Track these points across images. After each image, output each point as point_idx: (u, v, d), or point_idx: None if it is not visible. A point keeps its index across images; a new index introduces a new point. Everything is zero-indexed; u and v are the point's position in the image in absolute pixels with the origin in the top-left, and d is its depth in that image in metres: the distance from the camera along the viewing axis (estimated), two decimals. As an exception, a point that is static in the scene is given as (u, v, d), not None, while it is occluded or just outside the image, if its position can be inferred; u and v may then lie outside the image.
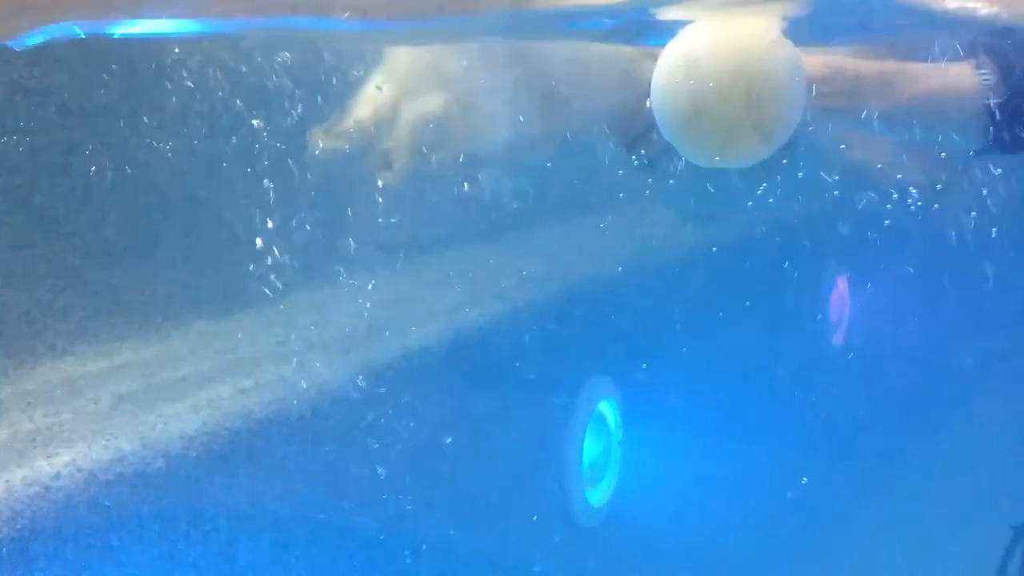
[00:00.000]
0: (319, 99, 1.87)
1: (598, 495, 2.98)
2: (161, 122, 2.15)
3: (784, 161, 1.66)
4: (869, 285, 2.66)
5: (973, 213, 1.90)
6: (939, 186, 1.86)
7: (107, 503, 1.72)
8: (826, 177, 1.99)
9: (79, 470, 1.71)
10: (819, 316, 2.89)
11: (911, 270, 2.32)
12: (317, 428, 2.14)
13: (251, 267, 2.16)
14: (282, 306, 2.36)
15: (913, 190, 1.90)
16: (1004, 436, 2.11)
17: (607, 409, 2.98)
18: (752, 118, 1.51)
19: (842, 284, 2.90)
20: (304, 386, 2.14)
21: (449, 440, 2.52)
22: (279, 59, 1.92)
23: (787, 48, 1.53)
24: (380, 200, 2.25)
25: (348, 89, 1.76)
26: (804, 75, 1.54)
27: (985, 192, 1.82)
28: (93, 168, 2.07)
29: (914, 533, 2.74)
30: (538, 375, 2.74)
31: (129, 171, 2.12)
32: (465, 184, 2.04)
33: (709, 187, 1.89)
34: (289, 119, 2.03)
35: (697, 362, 2.92)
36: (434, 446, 2.49)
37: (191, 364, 2.12)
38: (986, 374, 2.25)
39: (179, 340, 2.23)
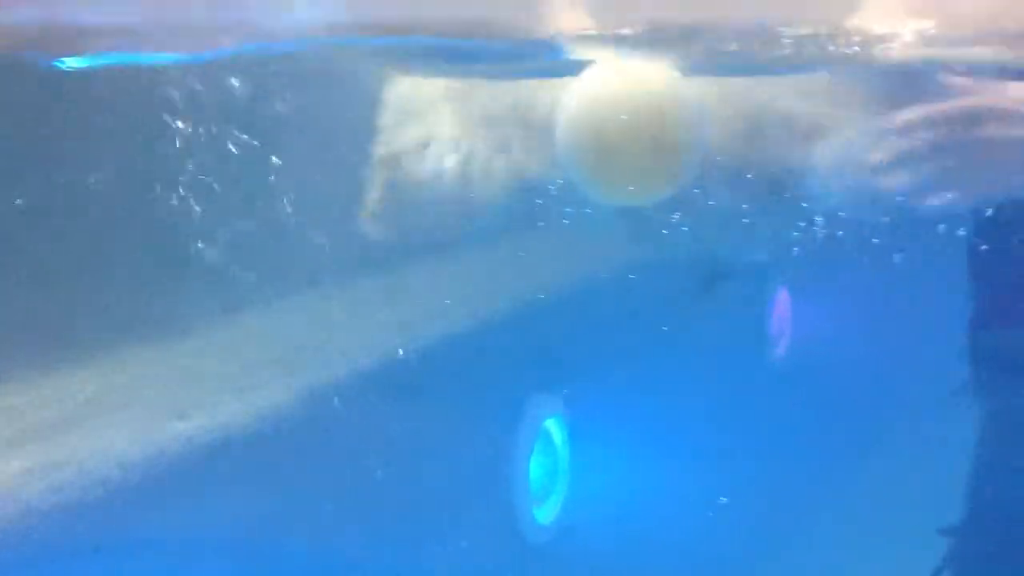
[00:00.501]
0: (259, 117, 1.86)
1: (546, 512, 2.97)
2: (93, 143, 2.13)
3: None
4: (813, 297, 2.68)
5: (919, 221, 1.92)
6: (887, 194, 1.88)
7: (43, 533, 1.69)
8: (770, 192, 2.01)
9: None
10: (763, 330, 2.91)
11: (853, 281, 2.34)
12: (259, 452, 2.13)
13: (189, 289, 2.14)
14: (223, 329, 2.34)
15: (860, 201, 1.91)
16: (942, 443, 2.14)
17: (554, 427, 2.98)
18: (658, 155, 1.54)
19: (786, 296, 2.92)
20: (245, 409, 2.12)
21: (394, 459, 2.51)
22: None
23: (689, 86, 1.56)
24: (321, 219, 2.25)
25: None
26: (707, 111, 1.57)
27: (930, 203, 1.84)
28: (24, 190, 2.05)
29: (858, 543, 2.76)
30: (484, 393, 2.74)
31: (64, 193, 2.10)
32: (410, 203, 2.05)
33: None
34: (228, 137, 2.02)
35: (644, 378, 2.93)
36: (379, 466, 2.48)
37: (128, 390, 2.10)
38: (928, 384, 2.27)
39: (117, 365, 2.20)
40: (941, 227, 1.72)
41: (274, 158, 2.22)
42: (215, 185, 2.16)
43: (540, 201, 1.81)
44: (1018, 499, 1.90)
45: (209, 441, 2.00)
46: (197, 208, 2.15)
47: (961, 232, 1.76)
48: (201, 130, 2.06)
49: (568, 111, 1.56)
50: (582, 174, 1.58)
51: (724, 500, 2.84)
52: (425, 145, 1.80)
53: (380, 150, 1.86)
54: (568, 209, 1.94)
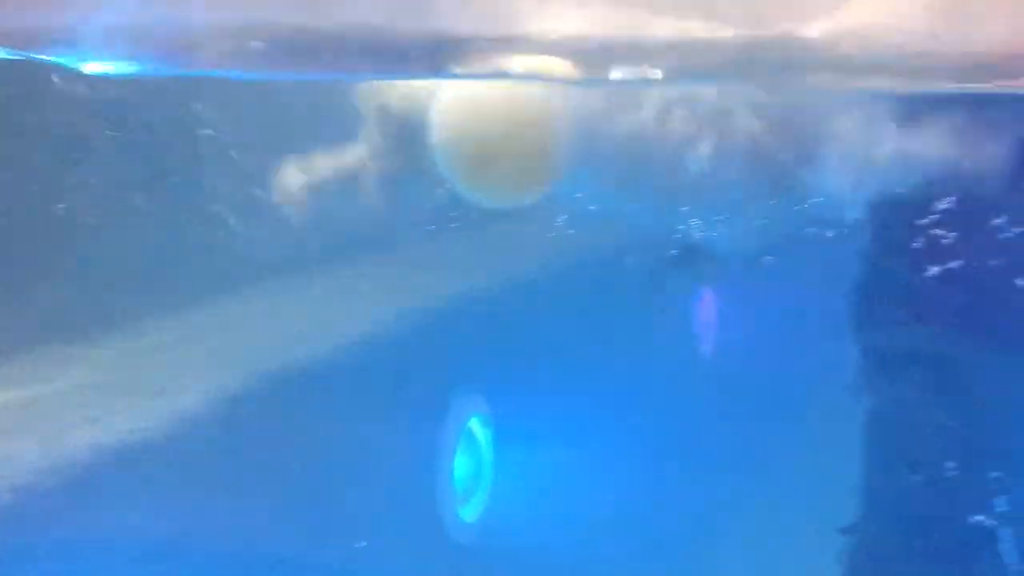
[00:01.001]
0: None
1: (470, 511, 2.98)
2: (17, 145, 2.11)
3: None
4: (734, 295, 2.72)
5: (842, 219, 1.96)
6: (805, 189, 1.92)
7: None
8: (691, 190, 2.03)
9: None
10: (684, 327, 2.93)
11: (773, 280, 2.38)
12: (177, 455, 2.11)
13: (105, 295, 2.13)
14: (138, 335, 2.32)
15: (782, 198, 1.95)
16: (846, 441, 2.18)
17: (477, 426, 2.99)
18: (528, 162, 1.59)
19: (708, 294, 2.95)
20: (164, 414, 2.11)
21: (320, 460, 2.50)
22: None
23: (556, 98, 1.61)
24: (247, 223, 2.25)
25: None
26: (570, 123, 1.63)
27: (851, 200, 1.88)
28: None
29: (777, 541, 2.80)
30: (407, 394, 2.74)
31: None
32: (334, 205, 2.05)
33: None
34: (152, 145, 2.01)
35: (566, 377, 2.95)
36: (305, 467, 2.48)
37: (36, 390, 2.07)
38: (838, 383, 2.32)
39: (27, 368, 2.18)
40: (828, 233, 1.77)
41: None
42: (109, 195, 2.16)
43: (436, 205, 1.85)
44: (910, 493, 1.96)
45: (119, 447, 1.99)
46: (94, 220, 2.14)
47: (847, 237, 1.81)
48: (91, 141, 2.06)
49: (440, 117, 1.61)
50: (460, 178, 1.63)
51: (642, 496, 2.87)
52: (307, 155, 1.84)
53: (272, 162, 1.89)
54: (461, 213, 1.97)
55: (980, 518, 1.92)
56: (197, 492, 2.22)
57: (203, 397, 2.23)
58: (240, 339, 2.50)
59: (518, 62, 1.48)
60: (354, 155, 1.85)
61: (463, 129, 1.60)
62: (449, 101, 1.64)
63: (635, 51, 1.48)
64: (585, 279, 2.70)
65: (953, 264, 1.73)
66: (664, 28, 1.45)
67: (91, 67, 1.75)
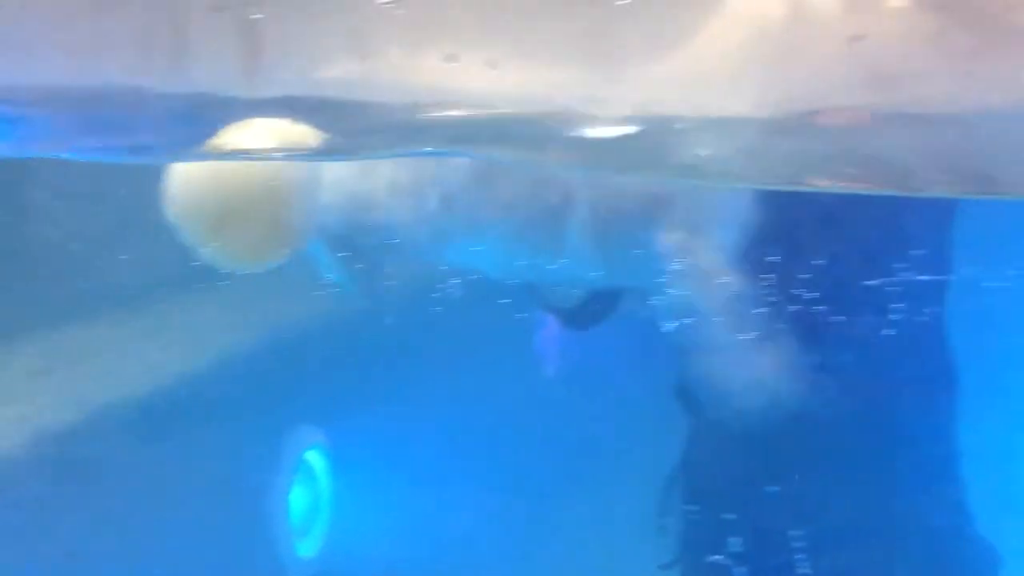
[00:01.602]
0: None
1: (308, 546, 2.92)
2: None
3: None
4: (571, 325, 2.73)
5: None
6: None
7: None
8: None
9: None
10: (524, 356, 2.95)
11: (608, 306, 2.41)
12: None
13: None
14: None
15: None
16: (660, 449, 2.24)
17: (315, 458, 2.94)
18: (272, 227, 1.65)
19: (549, 321, 2.97)
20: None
21: (152, 496, 2.44)
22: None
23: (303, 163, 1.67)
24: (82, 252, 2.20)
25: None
26: (318, 185, 1.68)
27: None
28: None
29: (613, 563, 2.83)
30: (241, 426, 2.69)
31: None
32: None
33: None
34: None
35: (406, 407, 2.93)
36: (137, 503, 2.41)
37: None
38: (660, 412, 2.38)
39: None
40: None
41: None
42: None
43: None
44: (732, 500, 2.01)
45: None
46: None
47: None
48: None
49: (185, 178, 1.65)
50: (200, 240, 1.68)
51: (484, 525, 2.87)
52: None
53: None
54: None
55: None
56: (19, 534, 2.15)
57: (32, 432, 2.16)
58: (77, 370, 2.44)
59: (254, 136, 1.49)
60: None
61: (199, 197, 1.64)
62: (187, 170, 1.67)
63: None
64: (435, 307, 2.69)
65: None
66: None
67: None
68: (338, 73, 1.42)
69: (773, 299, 1.80)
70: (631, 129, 1.43)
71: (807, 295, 1.78)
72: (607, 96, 1.41)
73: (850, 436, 1.97)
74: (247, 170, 1.67)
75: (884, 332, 1.83)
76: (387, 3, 1.38)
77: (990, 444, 2.24)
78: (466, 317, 2.58)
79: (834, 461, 1.99)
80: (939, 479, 2.03)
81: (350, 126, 1.45)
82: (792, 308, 1.78)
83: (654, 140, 1.45)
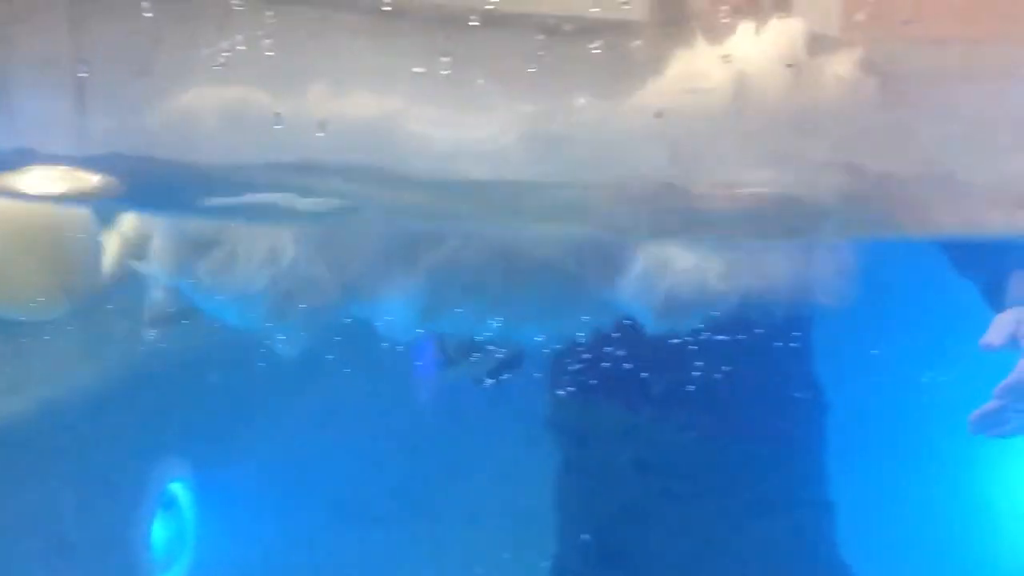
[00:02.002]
0: None
1: (171, 580, 2.90)
2: None
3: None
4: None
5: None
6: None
7: None
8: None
9: None
10: (393, 389, 2.95)
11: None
12: None
13: None
14: None
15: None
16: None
17: (179, 490, 2.92)
18: (49, 276, 1.64)
19: (426, 354, 2.98)
20: None
21: (13, 528, 2.40)
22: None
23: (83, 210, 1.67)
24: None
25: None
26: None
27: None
28: None
29: None
30: (103, 457, 2.66)
31: None
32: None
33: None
34: None
35: (272, 439, 2.92)
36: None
37: None
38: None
39: None
40: None
41: None
42: None
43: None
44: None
45: None
46: None
47: None
48: None
49: None
50: None
51: (348, 553, 2.87)
52: None
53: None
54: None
55: None
56: None
57: None
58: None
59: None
60: None
61: None
62: None
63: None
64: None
65: None
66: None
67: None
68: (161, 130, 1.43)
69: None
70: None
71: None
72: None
73: (718, 463, 2.02)
74: (22, 221, 1.65)
75: (751, 359, 1.87)
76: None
77: (859, 470, 2.30)
78: (331, 348, 2.59)
79: (703, 489, 2.03)
80: (807, 506, 2.08)
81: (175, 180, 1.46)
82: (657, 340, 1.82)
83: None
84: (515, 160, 1.41)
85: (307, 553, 2.97)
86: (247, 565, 2.97)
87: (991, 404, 1.75)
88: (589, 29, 1.40)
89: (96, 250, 1.78)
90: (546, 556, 2.25)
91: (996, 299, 1.88)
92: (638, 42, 1.44)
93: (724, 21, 1.42)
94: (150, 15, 1.34)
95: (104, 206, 1.62)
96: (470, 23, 1.35)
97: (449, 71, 1.35)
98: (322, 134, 1.40)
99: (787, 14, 1.47)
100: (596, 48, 1.40)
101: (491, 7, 1.35)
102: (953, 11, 1.45)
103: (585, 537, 2.10)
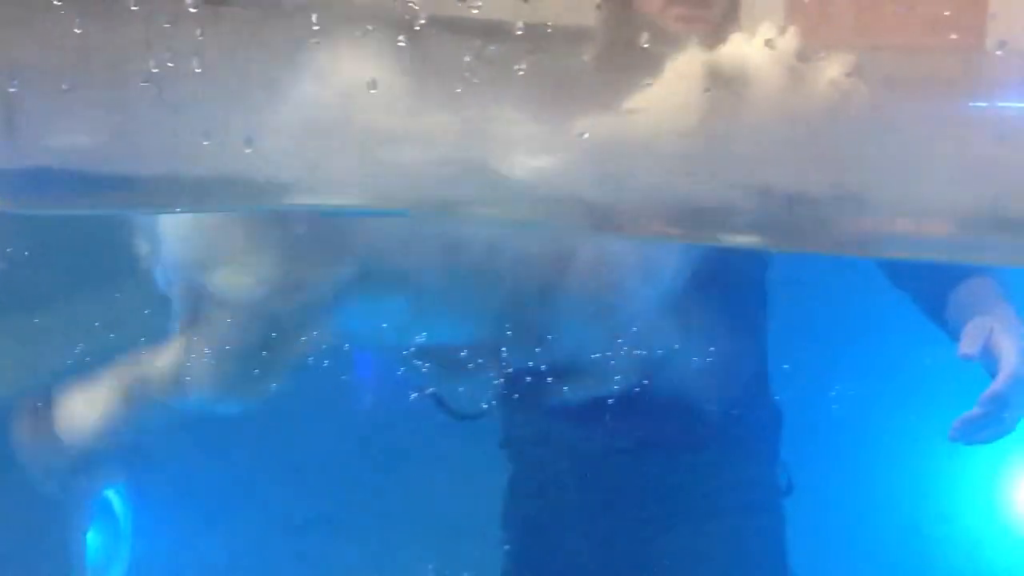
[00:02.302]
0: None
1: (105, 587, 2.89)
2: None
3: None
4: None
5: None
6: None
7: None
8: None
9: None
10: (335, 394, 2.97)
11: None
12: None
13: None
14: None
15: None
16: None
17: (113, 496, 2.91)
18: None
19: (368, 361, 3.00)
20: None
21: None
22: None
23: None
24: None
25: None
26: None
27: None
28: None
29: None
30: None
31: None
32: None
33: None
34: None
35: (211, 443, 2.92)
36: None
37: None
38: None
39: None
40: None
41: None
42: None
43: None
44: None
45: None
46: None
47: None
48: None
49: None
50: None
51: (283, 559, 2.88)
52: None
53: None
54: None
55: None
56: None
57: None
58: None
59: None
60: None
61: None
62: None
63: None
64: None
65: None
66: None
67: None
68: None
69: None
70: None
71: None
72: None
73: (671, 478, 2.04)
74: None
75: (704, 373, 1.90)
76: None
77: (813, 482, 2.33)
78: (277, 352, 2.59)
79: (655, 502, 2.05)
80: (757, 514, 2.11)
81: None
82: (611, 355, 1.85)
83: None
84: None
85: (242, 560, 2.97)
86: (182, 572, 2.97)
87: (975, 411, 1.77)
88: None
89: None
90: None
91: (930, 308, 1.93)
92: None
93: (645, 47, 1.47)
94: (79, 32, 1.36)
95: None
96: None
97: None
98: (249, 150, 1.42)
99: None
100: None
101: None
102: (855, 22, 1.51)
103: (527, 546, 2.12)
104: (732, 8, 1.69)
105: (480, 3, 1.38)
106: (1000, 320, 1.79)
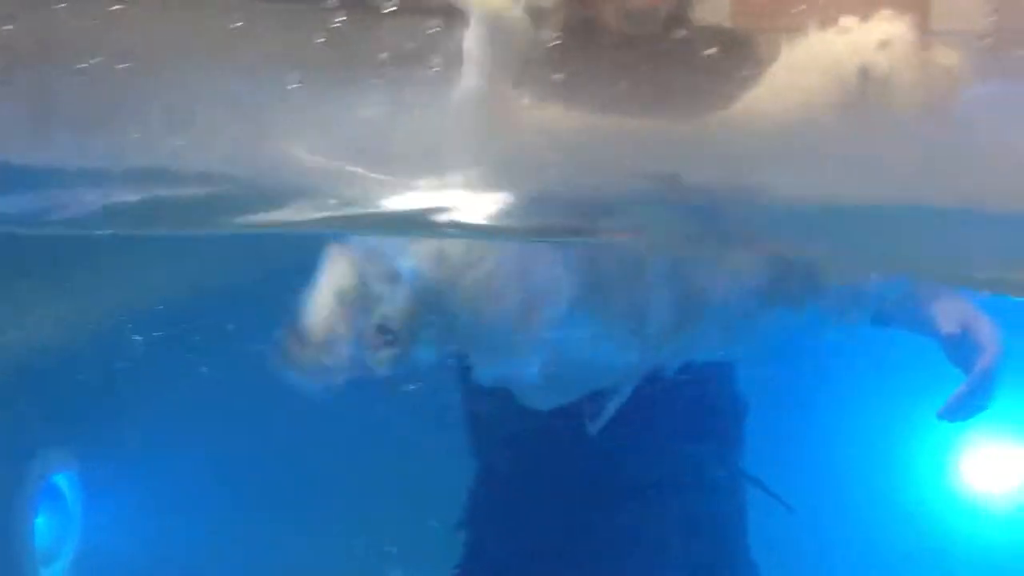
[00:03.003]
0: None
1: (54, 573, 2.87)
2: None
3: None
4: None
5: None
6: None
7: None
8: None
9: None
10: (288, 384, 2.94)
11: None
12: None
13: None
14: None
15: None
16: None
17: (64, 482, 2.89)
18: None
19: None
20: None
21: None
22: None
23: None
24: None
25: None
26: None
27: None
28: None
29: None
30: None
31: None
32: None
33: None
34: None
35: (158, 431, 2.89)
36: None
37: None
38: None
39: None
40: None
41: None
42: None
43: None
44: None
45: None
46: None
47: None
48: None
49: None
50: None
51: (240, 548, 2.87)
52: None
53: None
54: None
55: None
56: None
57: None
58: None
59: None
60: None
61: None
62: None
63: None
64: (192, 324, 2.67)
65: None
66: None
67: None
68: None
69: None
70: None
71: None
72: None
73: (642, 476, 2.03)
74: None
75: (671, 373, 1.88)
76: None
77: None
78: (225, 339, 2.58)
79: (627, 502, 2.04)
80: (725, 503, 2.11)
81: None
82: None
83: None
84: None
85: (192, 544, 2.96)
86: (132, 556, 2.95)
87: (962, 389, 1.79)
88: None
89: None
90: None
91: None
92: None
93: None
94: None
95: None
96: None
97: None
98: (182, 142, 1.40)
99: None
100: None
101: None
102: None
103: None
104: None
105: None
106: (957, 299, 1.82)
